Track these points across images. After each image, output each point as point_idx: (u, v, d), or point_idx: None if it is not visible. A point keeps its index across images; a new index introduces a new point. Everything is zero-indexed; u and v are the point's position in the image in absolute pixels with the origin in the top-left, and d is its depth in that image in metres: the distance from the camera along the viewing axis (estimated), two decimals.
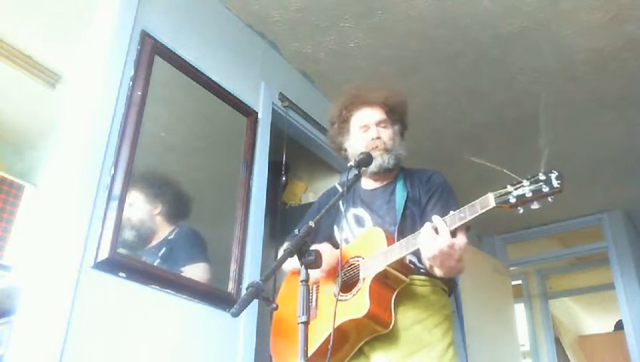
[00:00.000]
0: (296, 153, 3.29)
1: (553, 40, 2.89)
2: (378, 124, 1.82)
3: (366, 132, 1.82)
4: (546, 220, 5.04)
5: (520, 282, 5.92)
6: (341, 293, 1.56)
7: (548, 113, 3.46)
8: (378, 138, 1.80)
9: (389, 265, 1.51)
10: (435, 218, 1.44)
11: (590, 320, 7.33)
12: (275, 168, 3.00)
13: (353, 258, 1.64)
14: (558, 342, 5.84)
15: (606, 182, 4.40)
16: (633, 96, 3.34)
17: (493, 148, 3.84)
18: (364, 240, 1.68)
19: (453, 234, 1.42)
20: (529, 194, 1.30)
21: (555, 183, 1.26)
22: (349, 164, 1.67)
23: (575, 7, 2.67)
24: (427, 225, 1.44)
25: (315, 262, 1.34)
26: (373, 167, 1.76)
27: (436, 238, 1.41)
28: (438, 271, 1.49)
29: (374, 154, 1.75)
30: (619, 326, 5.46)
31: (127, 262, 1.88)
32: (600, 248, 4.94)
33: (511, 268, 5.27)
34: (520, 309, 5.69)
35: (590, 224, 4.97)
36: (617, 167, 4.14)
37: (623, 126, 3.63)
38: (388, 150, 1.79)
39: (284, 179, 3.20)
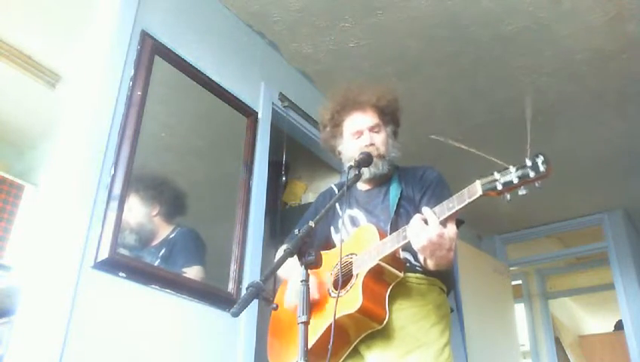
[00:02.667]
0: (296, 153, 3.29)
1: (553, 40, 2.89)
2: (371, 129, 1.80)
3: (359, 138, 1.80)
4: (546, 220, 5.03)
5: (520, 282, 5.91)
6: (335, 291, 1.56)
7: (547, 113, 3.46)
8: (372, 145, 1.77)
9: (381, 260, 1.51)
10: (425, 209, 1.44)
11: (590, 320, 7.32)
12: (275, 168, 3.00)
13: (347, 255, 1.64)
14: (558, 342, 5.84)
15: (606, 182, 4.40)
16: (633, 96, 3.34)
17: (493, 148, 3.83)
18: (357, 237, 1.68)
19: (443, 224, 1.42)
20: (516, 180, 1.28)
21: (542, 168, 1.24)
22: (349, 164, 1.67)
23: (575, 7, 2.67)
24: (416, 216, 1.44)
25: (315, 262, 1.34)
26: (367, 174, 1.75)
27: (425, 229, 1.40)
28: (429, 263, 1.49)
29: None
30: (619, 326, 5.46)
31: (127, 262, 1.88)
32: (600, 248, 4.94)
33: (511, 268, 5.26)
34: (520, 309, 5.68)
35: (590, 224, 4.96)
36: (617, 167, 4.13)
37: (623, 126, 3.63)
38: (382, 156, 1.78)
39: (284, 179, 3.20)
